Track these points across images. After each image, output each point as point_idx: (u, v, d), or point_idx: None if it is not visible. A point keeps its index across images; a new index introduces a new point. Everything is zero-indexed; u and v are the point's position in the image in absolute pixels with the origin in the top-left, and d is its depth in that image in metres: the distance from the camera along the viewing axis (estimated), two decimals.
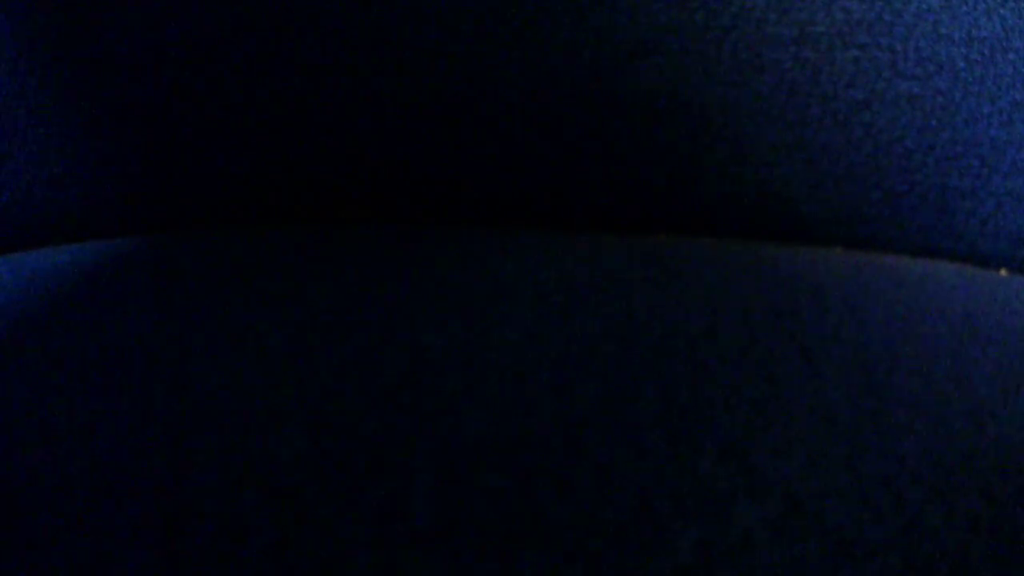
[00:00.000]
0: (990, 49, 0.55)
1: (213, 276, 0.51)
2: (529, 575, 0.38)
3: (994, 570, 0.42)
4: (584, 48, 0.55)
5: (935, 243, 0.57)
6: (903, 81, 0.55)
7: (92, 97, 0.56)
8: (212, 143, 0.56)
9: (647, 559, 0.38)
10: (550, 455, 0.41)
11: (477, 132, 0.55)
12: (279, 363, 0.46)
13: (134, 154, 0.57)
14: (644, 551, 0.39)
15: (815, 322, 0.48)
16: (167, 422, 0.44)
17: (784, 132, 0.55)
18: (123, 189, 0.57)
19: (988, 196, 0.56)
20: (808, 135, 0.55)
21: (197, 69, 0.56)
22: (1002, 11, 0.55)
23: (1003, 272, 0.57)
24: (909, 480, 0.42)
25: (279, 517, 0.39)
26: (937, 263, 0.55)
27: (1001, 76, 0.55)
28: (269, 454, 0.42)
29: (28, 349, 0.48)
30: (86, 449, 0.43)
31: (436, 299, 0.49)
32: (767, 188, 0.55)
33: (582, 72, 0.55)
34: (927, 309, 0.50)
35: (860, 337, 0.47)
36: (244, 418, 0.44)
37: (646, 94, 0.55)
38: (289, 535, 0.39)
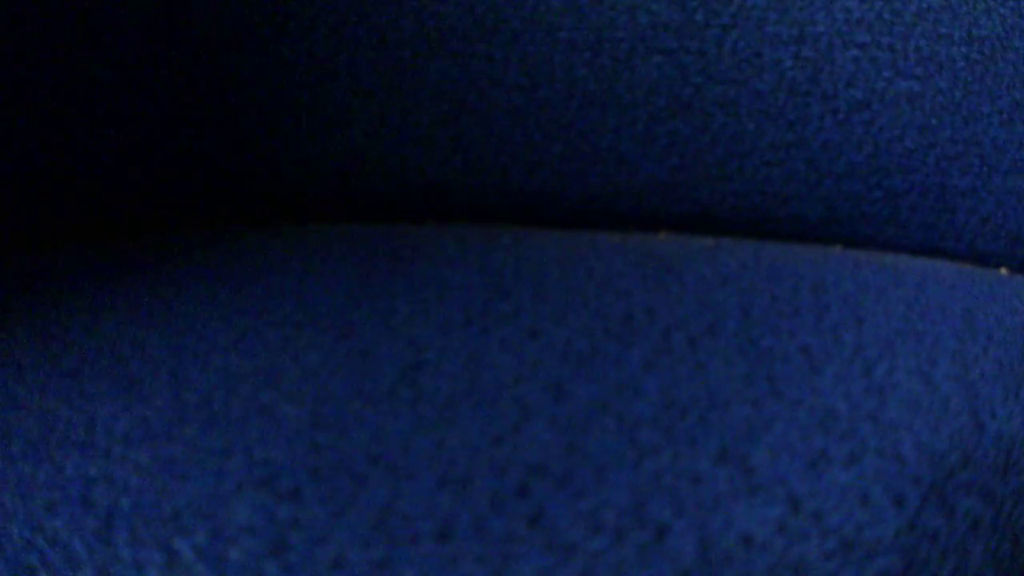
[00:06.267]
0: (990, 48, 0.55)
1: (213, 276, 0.51)
2: (529, 575, 0.38)
3: (994, 570, 0.42)
4: (583, 47, 0.55)
5: (935, 242, 0.57)
6: (903, 80, 0.55)
7: (93, 99, 0.56)
8: (213, 144, 0.56)
9: (647, 559, 0.38)
10: (550, 455, 0.41)
11: (476, 131, 0.55)
12: (278, 363, 0.46)
13: (134, 155, 0.57)
14: (644, 551, 0.39)
15: (815, 322, 0.48)
16: (166, 421, 0.44)
17: (784, 131, 0.55)
18: (125, 189, 0.57)
19: (988, 195, 0.56)
20: (808, 134, 0.55)
21: (197, 72, 0.56)
22: (1002, 10, 0.55)
23: (1003, 271, 0.57)
24: (909, 480, 0.42)
25: (278, 517, 0.39)
26: (937, 262, 0.55)
27: (1001, 76, 0.55)
28: (267, 454, 0.42)
29: (28, 348, 0.48)
30: (85, 447, 0.43)
31: (436, 299, 0.49)
32: (767, 188, 0.55)
33: (581, 71, 0.55)
34: (927, 308, 0.50)
35: (860, 337, 0.47)
36: (242, 418, 0.44)
37: (646, 93, 0.55)
38: (288, 535, 0.39)
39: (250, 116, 0.56)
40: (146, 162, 0.57)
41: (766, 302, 0.49)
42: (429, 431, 0.43)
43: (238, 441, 0.43)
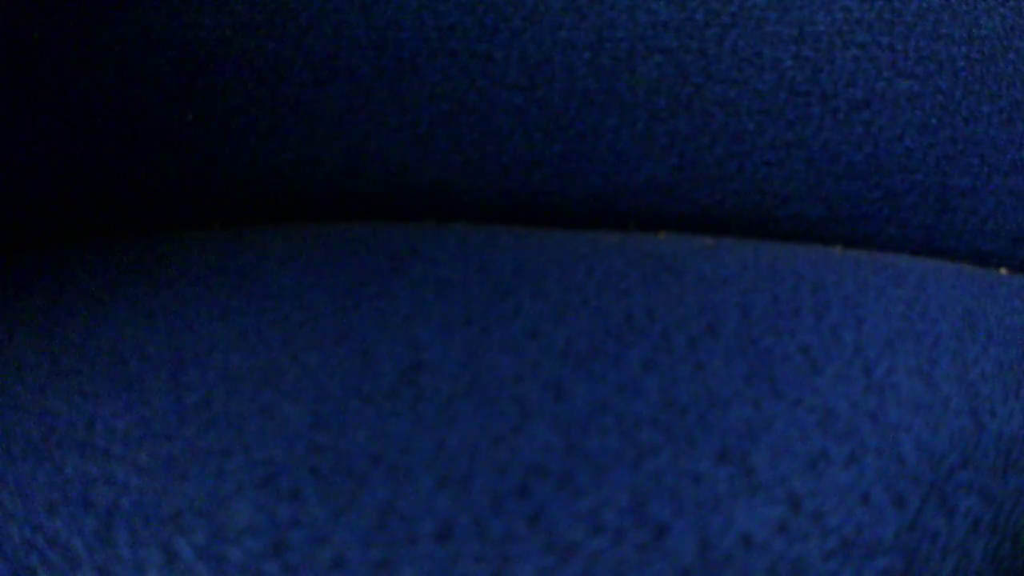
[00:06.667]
0: (991, 48, 0.55)
1: (213, 276, 0.51)
2: (529, 575, 0.38)
3: (994, 570, 0.42)
4: (583, 47, 0.55)
5: (935, 242, 0.57)
6: (903, 80, 0.55)
7: (92, 98, 0.56)
8: (212, 143, 0.56)
9: (647, 559, 0.38)
10: (550, 455, 0.41)
11: (476, 131, 0.55)
12: (278, 363, 0.46)
13: (133, 155, 0.57)
14: (644, 551, 0.39)
15: (815, 322, 0.48)
16: (166, 421, 0.44)
17: (784, 131, 0.55)
18: (123, 189, 0.57)
19: (988, 195, 0.56)
20: (808, 134, 0.55)
21: (196, 71, 0.56)
22: (1002, 10, 0.55)
23: (1003, 271, 0.57)
24: (909, 480, 0.42)
25: (278, 517, 0.39)
26: (937, 262, 0.55)
27: (1001, 75, 0.55)
28: (267, 454, 0.42)
29: (28, 348, 0.48)
30: (85, 447, 0.43)
31: (436, 299, 0.49)
32: (767, 188, 0.55)
33: (581, 71, 0.55)
34: (927, 308, 0.50)
35: (860, 337, 0.47)
36: (242, 417, 0.44)
37: (646, 93, 0.55)
38: (288, 535, 0.39)
39: (249, 115, 0.56)
40: (145, 161, 0.57)
41: (766, 302, 0.48)
42: (429, 431, 0.43)
43: (238, 441, 0.43)
